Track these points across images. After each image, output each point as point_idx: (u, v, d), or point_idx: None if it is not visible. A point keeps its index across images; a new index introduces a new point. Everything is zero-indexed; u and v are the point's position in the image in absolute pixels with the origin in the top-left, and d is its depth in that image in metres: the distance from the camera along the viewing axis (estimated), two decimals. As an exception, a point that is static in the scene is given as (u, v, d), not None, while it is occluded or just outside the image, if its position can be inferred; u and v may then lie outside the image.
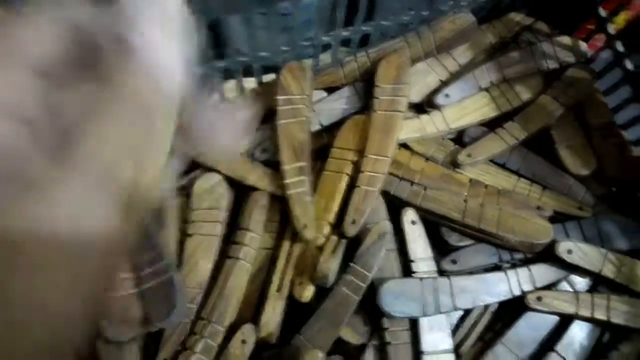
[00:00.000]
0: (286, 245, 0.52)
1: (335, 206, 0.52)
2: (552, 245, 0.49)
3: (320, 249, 0.50)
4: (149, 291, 0.46)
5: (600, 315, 0.48)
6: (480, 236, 0.51)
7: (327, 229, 0.51)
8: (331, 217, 0.52)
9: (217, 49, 0.56)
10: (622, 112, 0.56)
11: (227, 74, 0.57)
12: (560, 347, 0.49)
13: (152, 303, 0.46)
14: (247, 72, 0.58)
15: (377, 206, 0.52)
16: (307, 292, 0.49)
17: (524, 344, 0.49)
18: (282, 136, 0.53)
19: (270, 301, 0.50)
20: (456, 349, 0.50)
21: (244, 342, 0.48)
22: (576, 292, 0.49)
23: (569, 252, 0.49)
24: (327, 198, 0.52)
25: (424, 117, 0.56)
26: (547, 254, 0.50)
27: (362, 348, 0.50)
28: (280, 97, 0.54)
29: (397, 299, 0.48)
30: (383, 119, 0.53)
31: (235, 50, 0.55)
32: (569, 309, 0.49)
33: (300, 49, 0.56)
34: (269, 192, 0.54)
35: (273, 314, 0.49)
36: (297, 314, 0.50)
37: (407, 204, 0.52)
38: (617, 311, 0.48)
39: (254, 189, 0.54)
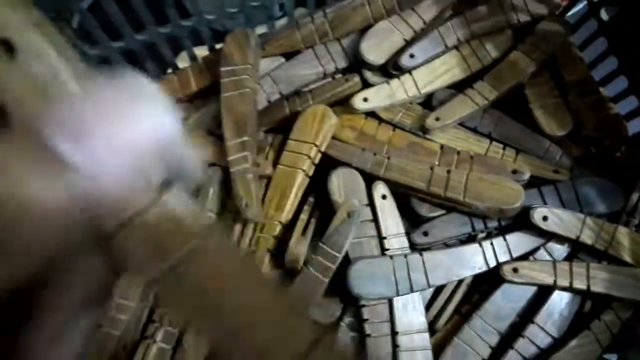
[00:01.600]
0: (237, 228, 0.48)
1: (289, 205, 0.48)
2: (527, 212, 0.46)
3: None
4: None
5: (579, 284, 0.45)
6: (450, 205, 0.48)
7: (278, 229, 0.47)
8: (283, 216, 0.48)
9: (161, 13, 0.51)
10: (599, 66, 0.53)
11: (176, 44, 0.53)
12: (539, 318, 0.46)
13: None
14: (198, 39, 0.54)
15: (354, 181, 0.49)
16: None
17: (502, 316, 0.47)
18: (225, 110, 0.48)
19: None
20: (432, 325, 0.48)
21: (199, 336, 0.45)
22: (554, 262, 0.46)
23: (545, 218, 0.46)
24: (280, 194, 0.48)
25: (394, 82, 0.51)
26: (522, 222, 0.47)
27: (332, 327, 0.47)
28: (223, 69, 0.49)
29: (367, 280, 0.45)
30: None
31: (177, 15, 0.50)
32: (547, 279, 0.46)
33: (251, 11, 0.51)
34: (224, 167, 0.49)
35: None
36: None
37: (371, 177, 0.49)
38: (597, 279, 0.45)
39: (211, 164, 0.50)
